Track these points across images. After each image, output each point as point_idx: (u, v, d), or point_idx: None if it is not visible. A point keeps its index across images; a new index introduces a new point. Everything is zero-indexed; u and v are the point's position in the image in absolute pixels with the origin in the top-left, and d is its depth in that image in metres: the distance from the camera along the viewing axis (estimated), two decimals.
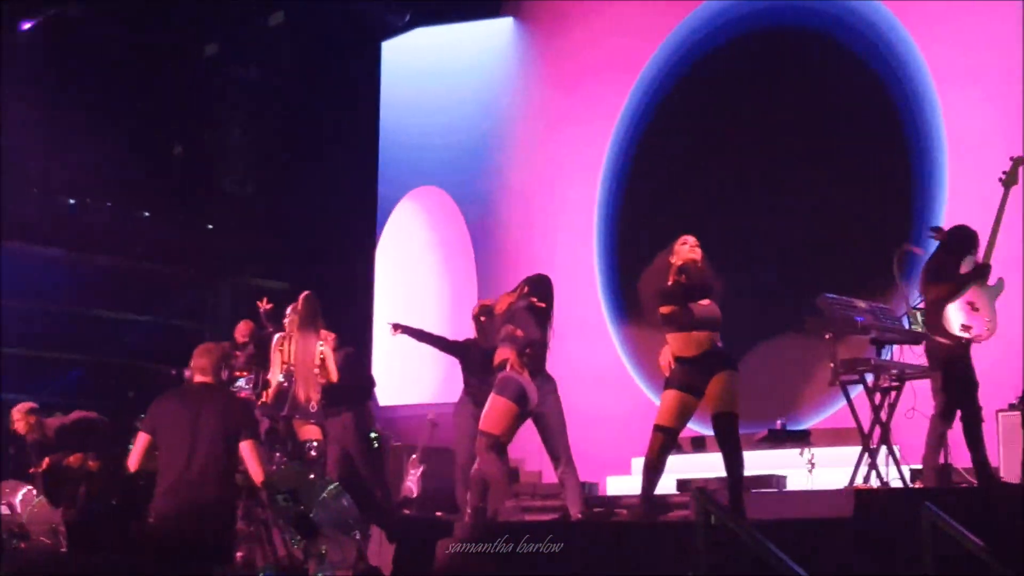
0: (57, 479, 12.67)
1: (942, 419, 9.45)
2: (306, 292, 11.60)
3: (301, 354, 11.24)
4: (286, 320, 11.61)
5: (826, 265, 13.14)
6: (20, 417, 13.09)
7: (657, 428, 8.62)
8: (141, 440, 7.84)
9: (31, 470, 13.03)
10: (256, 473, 7.86)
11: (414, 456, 14.07)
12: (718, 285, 8.68)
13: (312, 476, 9.03)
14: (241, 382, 12.42)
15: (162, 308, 20.28)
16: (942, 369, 9.48)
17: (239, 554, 9.28)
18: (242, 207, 20.63)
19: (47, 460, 12.88)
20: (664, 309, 8.54)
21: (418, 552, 9.67)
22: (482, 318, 10.63)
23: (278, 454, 11.36)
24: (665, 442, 8.64)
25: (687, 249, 8.67)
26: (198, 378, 7.95)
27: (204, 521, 7.60)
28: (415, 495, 13.81)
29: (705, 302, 8.58)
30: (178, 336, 19.17)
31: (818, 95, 13.89)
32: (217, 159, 20.83)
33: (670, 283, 8.56)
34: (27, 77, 18.13)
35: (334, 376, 11.42)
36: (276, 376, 11.28)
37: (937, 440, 9.48)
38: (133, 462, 7.88)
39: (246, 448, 7.74)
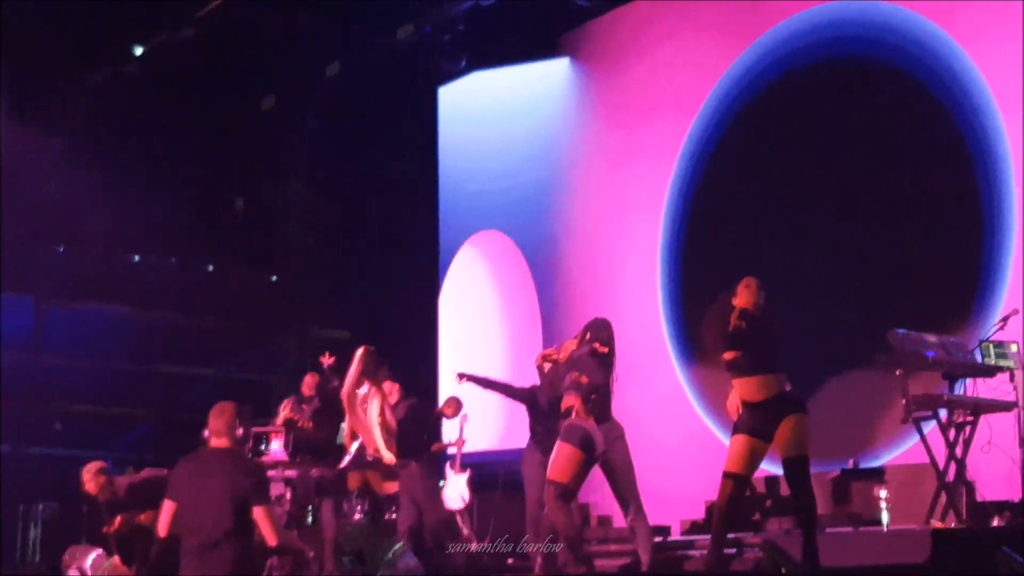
0: (129, 537, 12.64)
1: None
2: (364, 347, 11.58)
3: (362, 409, 11.29)
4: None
5: (896, 300, 12.93)
6: (90, 477, 13.05)
7: (727, 475, 8.51)
8: (167, 507, 7.91)
9: (104, 529, 13.05)
10: (270, 538, 7.85)
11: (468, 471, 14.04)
12: (780, 326, 8.54)
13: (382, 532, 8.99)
14: (274, 444, 12.38)
15: (228, 361, 20.38)
16: None
17: None
18: (304, 258, 20.70)
19: (119, 518, 12.88)
20: (727, 355, 8.43)
21: None
22: (545, 366, 10.56)
23: (358, 506, 11.40)
24: (735, 489, 8.53)
25: (749, 292, 8.56)
26: (213, 441, 7.98)
27: None
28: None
29: (768, 345, 8.45)
30: (245, 389, 19.16)
31: (882, 126, 13.67)
32: (278, 211, 20.94)
33: (731, 328, 8.44)
34: (89, 135, 18.30)
35: (392, 426, 11.43)
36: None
37: None
38: (162, 529, 7.94)
39: (258, 514, 7.75)
